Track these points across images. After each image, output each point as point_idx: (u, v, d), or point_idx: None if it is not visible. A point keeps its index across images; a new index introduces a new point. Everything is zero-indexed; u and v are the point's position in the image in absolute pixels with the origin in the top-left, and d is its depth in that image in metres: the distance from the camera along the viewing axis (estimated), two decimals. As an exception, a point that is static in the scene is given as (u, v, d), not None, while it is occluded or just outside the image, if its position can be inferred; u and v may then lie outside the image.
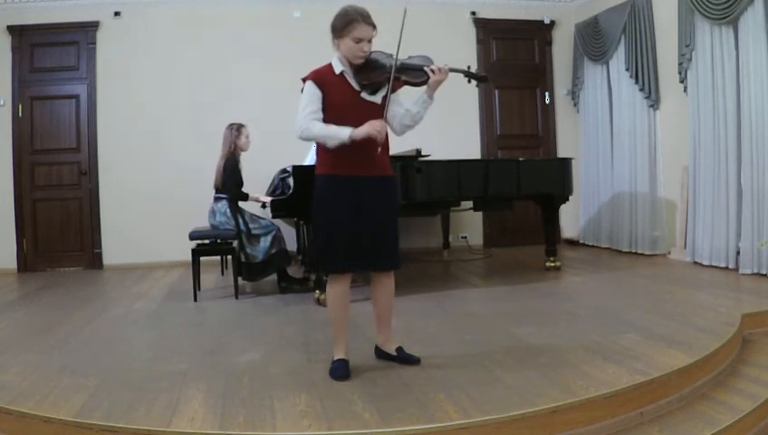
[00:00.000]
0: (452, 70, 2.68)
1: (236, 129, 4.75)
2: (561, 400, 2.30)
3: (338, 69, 2.66)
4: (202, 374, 2.76)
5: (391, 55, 2.63)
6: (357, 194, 2.64)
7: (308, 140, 2.66)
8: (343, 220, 2.64)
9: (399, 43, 2.56)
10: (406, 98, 2.79)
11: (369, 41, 2.61)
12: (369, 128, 2.55)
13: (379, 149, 2.59)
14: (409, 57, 2.68)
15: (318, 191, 2.70)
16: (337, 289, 2.72)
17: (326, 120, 2.63)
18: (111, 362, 3.00)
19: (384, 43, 2.69)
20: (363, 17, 2.58)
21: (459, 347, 3.09)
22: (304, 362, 2.93)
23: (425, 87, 2.68)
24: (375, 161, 2.64)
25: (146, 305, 4.42)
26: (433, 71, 2.62)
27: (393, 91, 2.67)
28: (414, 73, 2.65)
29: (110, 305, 4.47)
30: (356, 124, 2.58)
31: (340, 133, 2.56)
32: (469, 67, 2.75)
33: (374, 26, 2.60)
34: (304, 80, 2.67)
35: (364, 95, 2.67)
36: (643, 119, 6.05)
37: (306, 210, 4.32)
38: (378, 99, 2.69)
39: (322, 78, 2.64)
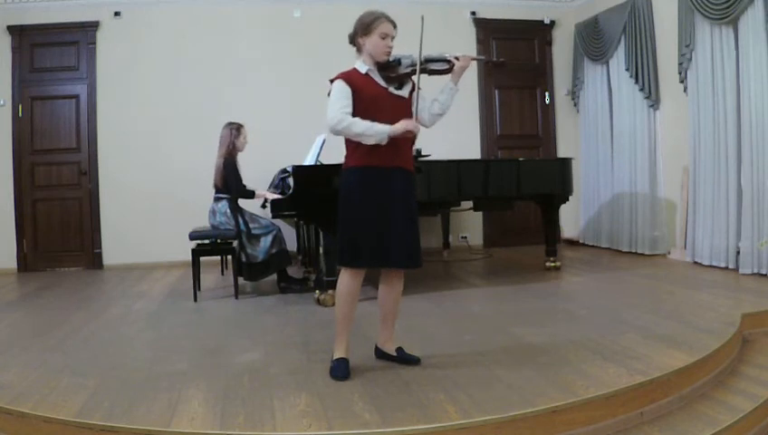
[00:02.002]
0: (473, 58, 2.86)
1: (236, 129, 4.74)
2: (561, 400, 2.30)
3: (363, 69, 2.72)
4: (202, 374, 2.77)
5: (411, 56, 2.75)
6: (386, 186, 2.67)
7: (342, 134, 2.65)
8: (372, 216, 2.66)
9: (421, 44, 2.67)
10: (429, 92, 2.86)
11: (392, 39, 2.71)
12: (404, 124, 2.62)
13: (414, 140, 2.76)
14: (429, 54, 2.80)
15: (347, 184, 2.71)
16: (351, 285, 2.72)
17: (356, 115, 2.65)
18: (111, 362, 3.00)
19: (398, 49, 2.76)
20: (386, 16, 2.71)
21: (459, 347, 3.09)
22: (304, 362, 2.93)
23: (449, 76, 2.81)
24: (402, 155, 2.71)
25: (146, 305, 4.42)
26: (457, 58, 2.77)
27: (414, 88, 2.76)
28: (439, 63, 2.80)
29: (110, 305, 4.47)
30: (387, 118, 2.63)
31: (380, 129, 2.59)
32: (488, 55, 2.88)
33: (395, 25, 2.72)
34: (332, 80, 2.70)
35: (392, 90, 2.74)
36: (643, 119, 6.05)
37: (306, 210, 4.34)
38: (405, 93, 2.78)
39: (351, 77, 2.69)
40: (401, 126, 2.61)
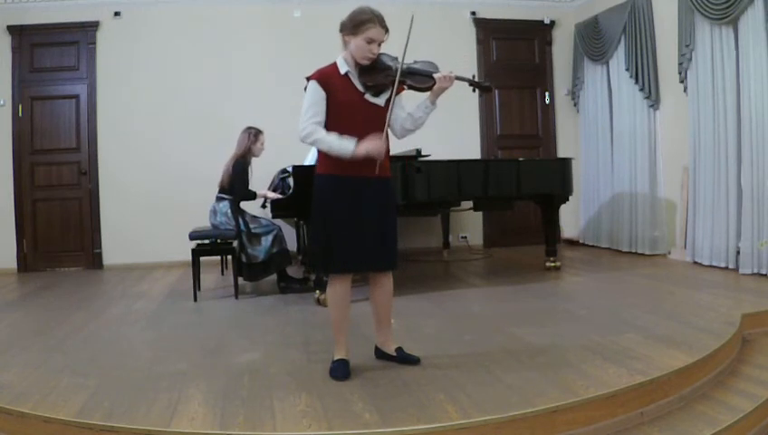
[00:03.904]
0: (458, 78, 2.69)
1: (254, 134, 4.76)
2: (562, 400, 2.30)
3: (343, 69, 2.66)
4: (202, 374, 2.76)
5: (396, 59, 2.65)
6: (357, 194, 2.65)
7: (310, 144, 2.67)
8: (344, 220, 2.64)
9: (406, 48, 2.58)
10: (408, 102, 2.80)
11: (380, 44, 2.62)
12: (370, 147, 2.55)
13: (377, 168, 2.61)
14: (415, 62, 2.70)
15: (318, 191, 2.70)
16: (338, 289, 2.72)
17: (329, 120, 2.62)
18: (111, 362, 3.00)
19: (389, 45, 2.68)
20: (379, 20, 2.59)
21: (459, 347, 3.09)
22: (304, 362, 2.93)
23: (428, 93, 2.69)
24: (374, 164, 2.64)
25: (146, 305, 4.42)
26: (439, 78, 2.63)
27: (396, 94, 2.69)
28: (419, 78, 2.67)
29: (110, 305, 4.47)
30: (359, 126, 2.59)
31: (343, 150, 2.56)
32: (474, 76, 2.76)
33: (387, 30, 2.62)
34: (308, 79, 2.65)
35: (368, 97, 2.67)
36: (643, 119, 6.05)
37: (306, 210, 4.34)
38: (381, 101, 2.69)
39: (327, 78, 2.63)
40: (364, 149, 2.55)
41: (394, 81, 2.61)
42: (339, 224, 2.64)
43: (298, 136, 2.64)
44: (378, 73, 2.63)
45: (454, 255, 6.52)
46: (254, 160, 4.86)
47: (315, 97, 2.61)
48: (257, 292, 4.83)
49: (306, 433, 2.13)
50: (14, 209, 6.28)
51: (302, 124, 2.60)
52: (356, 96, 2.65)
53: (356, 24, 2.59)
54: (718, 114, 5.07)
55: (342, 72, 2.65)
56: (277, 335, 3.48)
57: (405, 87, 2.69)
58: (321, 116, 2.61)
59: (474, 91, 2.82)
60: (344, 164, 2.60)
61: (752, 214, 4.74)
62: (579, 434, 2.26)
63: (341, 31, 2.65)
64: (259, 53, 6.58)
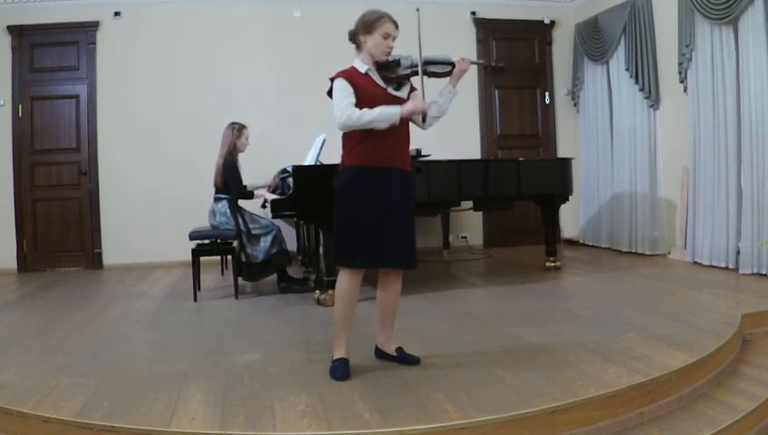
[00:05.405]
0: (472, 62, 2.86)
1: (238, 129, 4.74)
2: (561, 400, 2.30)
3: (362, 69, 2.73)
4: (202, 374, 2.76)
5: (409, 57, 2.76)
6: (384, 186, 2.67)
7: (352, 127, 2.62)
8: (370, 214, 2.66)
9: (419, 39, 2.70)
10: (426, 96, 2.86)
11: (393, 39, 2.72)
12: (412, 104, 2.67)
13: (422, 119, 2.79)
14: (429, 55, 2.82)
15: (345, 183, 2.71)
16: (349, 285, 2.72)
17: None
18: (111, 362, 3.00)
19: (398, 45, 2.77)
20: (389, 16, 2.72)
21: (459, 347, 3.09)
22: (304, 362, 2.93)
23: (448, 79, 2.82)
24: (399, 155, 2.72)
25: (146, 305, 4.42)
26: (457, 61, 2.78)
27: (413, 91, 2.81)
28: (439, 66, 2.80)
29: (110, 305, 4.47)
30: None
31: (391, 115, 2.61)
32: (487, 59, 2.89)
33: (397, 26, 2.73)
34: (332, 79, 2.70)
35: (390, 90, 2.75)
36: (643, 119, 6.05)
37: (306, 210, 4.34)
38: (404, 94, 2.78)
39: (350, 76, 2.69)
40: (411, 106, 2.65)
41: (414, 72, 2.72)
42: (365, 217, 2.66)
43: (336, 125, 2.64)
44: (396, 67, 2.74)
45: (454, 255, 6.53)
46: (252, 161, 4.86)
47: (345, 90, 2.65)
48: (257, 292, 4.83)
49: (306, 433, 2.13)
50: (14, 209, 6.28)
51: (339, 112, 2.61)
52: (380, 90, 2.72)
53: (370, 23, 2.69)
54: (718, 114, 5.07)
55: (363, 71, 2.72)
56: (277, 335, 3.48)
57: (427, 75, 2.78)
58: (354, 103, 2.65)
59: (488, 71, 2.96)
60: (371, 155, 2.65)
61: (752, 214, 4.74)
62: (579, 434, 2.27)
63: (355, 35, 2.75)
64: (259, 52, 6.58)
